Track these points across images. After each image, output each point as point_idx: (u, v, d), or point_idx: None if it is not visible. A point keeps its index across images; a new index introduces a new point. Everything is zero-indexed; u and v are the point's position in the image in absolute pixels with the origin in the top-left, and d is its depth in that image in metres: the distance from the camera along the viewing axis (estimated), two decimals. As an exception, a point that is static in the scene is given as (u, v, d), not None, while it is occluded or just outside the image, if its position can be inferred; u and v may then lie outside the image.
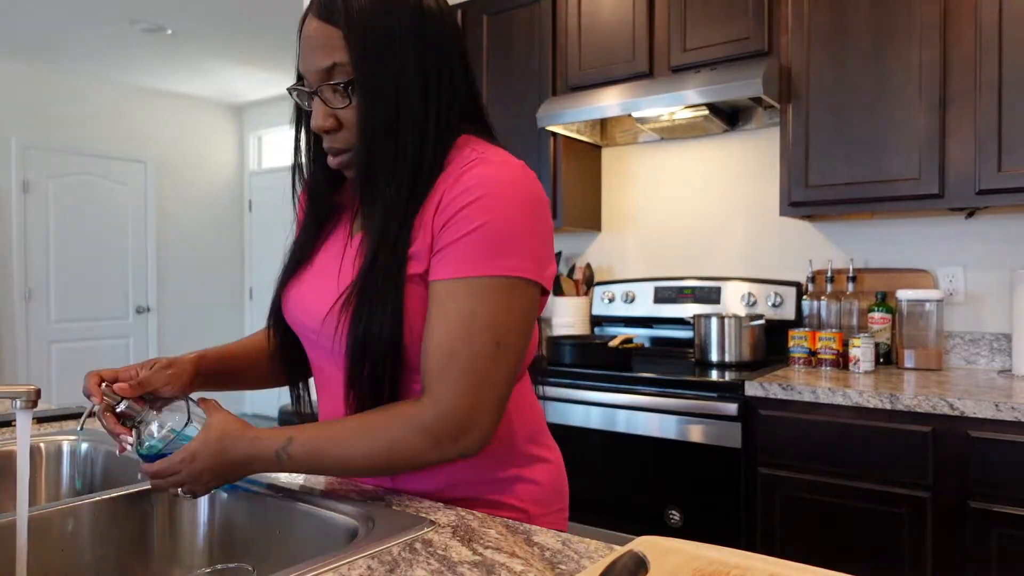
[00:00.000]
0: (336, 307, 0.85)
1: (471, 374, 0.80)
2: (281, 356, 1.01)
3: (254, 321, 6.23)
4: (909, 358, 2.18)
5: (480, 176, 0.82)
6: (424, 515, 0.84)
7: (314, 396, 1.02)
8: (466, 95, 0.91)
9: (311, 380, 1.03)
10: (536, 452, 0.96)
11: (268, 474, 1.00)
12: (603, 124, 2.83)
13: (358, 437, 0.82)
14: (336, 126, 0.85)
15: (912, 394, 1.77)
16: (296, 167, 0.96)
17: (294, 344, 0.99)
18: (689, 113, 2.46)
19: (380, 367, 0.83)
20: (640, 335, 2.78)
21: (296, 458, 0.83)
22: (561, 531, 0.90)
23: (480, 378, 0.80)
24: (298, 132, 0.94)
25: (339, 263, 0.89)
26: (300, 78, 0.87)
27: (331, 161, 0.88)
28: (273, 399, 5.84)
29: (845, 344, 2.22)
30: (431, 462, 0.83)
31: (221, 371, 1.02)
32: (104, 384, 0.87)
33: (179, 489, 0.84)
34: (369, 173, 0.84)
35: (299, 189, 1.00)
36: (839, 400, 1.84)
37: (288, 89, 0.89)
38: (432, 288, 0.83)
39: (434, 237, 0.83)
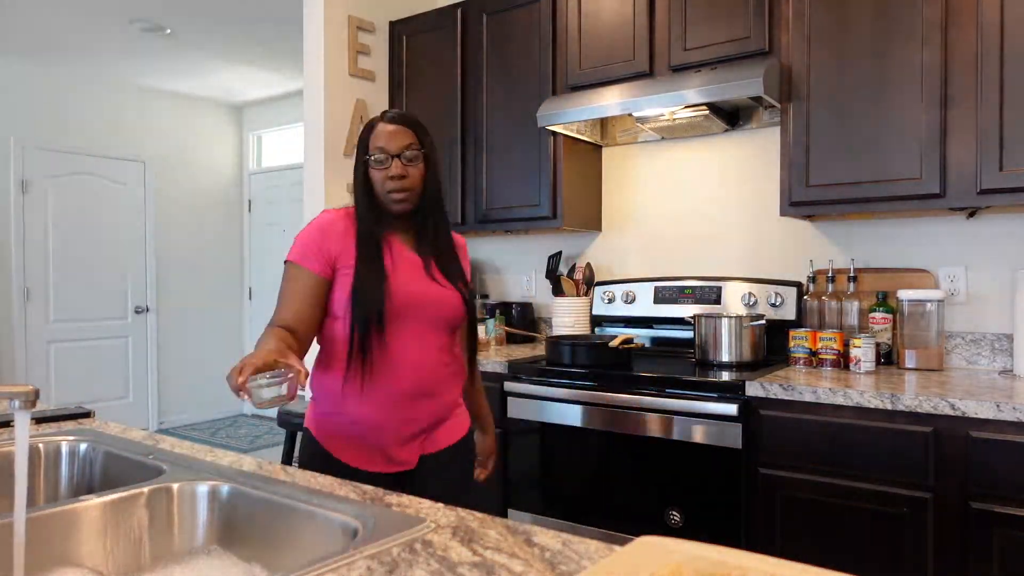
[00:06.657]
0: (460, 292, 1.50)
1: None
2: (355, 337, 1.42)
3: (253, 321, 6.22)
4: (910, 358, 2.18)
5: None
6: (424, 515, 0.84)
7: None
8: None
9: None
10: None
11: (268, 474, 0.99)
12: (603, 124, 2.83)
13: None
14: (408, 175, 1.45)
15: (913, 394, 1.76)
16: (367, 205, 1.48)
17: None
18: (689, 113, 2.46)
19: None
20: (640, 335, 2.78)
21: None
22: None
23: None
24: (367, 186, 1.48)
25: (429, 267, 1.49)
26: (366, 151, 1.46)
27: (396, 196, 1.45)
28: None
29: (846, 344, 2.21)
30: None
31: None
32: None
33: None
34: (431, 211, 1.51)
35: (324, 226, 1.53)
36: (840, 400, 1.84)
37: (365, 159, 1.46)
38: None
39: None
